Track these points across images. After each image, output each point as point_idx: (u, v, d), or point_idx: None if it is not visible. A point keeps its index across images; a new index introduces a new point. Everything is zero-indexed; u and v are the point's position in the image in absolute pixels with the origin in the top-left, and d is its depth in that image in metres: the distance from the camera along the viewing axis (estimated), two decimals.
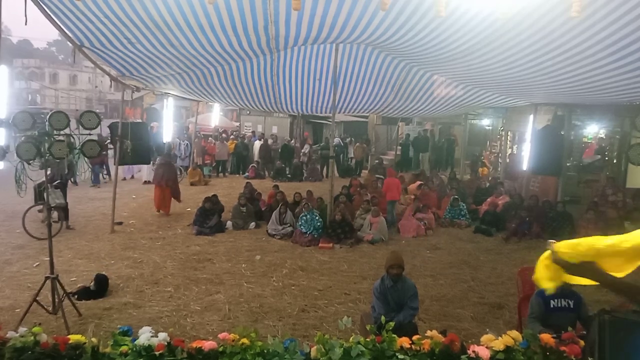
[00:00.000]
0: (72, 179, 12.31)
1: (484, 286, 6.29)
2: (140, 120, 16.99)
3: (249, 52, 7.55)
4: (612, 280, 1.51)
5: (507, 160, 15.12)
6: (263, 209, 10.04)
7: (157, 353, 3.04)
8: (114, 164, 9.48)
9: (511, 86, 7.45)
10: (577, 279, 1.65)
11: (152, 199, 11.62)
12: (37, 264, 6.58)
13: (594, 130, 12.55)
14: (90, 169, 13.09)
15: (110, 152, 12.38)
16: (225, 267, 6.78)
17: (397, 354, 3.06)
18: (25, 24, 4.30)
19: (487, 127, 19.07)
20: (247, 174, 15.83)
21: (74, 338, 3.20)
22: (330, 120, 9.93)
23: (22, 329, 3.26)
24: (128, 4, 4.91)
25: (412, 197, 10.44)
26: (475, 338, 4.19)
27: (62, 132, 4.63)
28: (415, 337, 3.24)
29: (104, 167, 14.37)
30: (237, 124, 24.86)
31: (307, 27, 6.03)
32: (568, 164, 10.74)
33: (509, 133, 15.39)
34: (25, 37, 68.67)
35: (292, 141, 19.26)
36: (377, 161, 16.30)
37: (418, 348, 3.13)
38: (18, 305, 5.13)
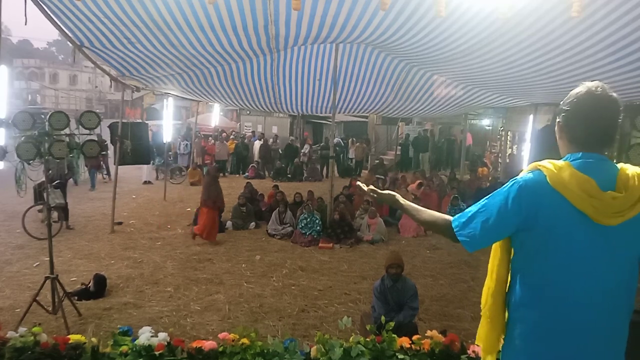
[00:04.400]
0: (73, 178, 12.31)
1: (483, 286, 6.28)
2: (140, 120, 17.01)
3: (249, 52, 7.54)
4: (402, 205, 2.00)
5: (507, 160, 15.13)
6: (263, 209, 10.05)
7: (157, 353, 3.04)
8: (114, 164, 9.47)
9: (511, 86, 7.45)
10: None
11: (152, 200, 11.64)
12: (37, 264, 6.58)
13: None
14: (86, 171, 13.06)
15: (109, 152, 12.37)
16: (225, 267, 6.78)
17: (397, 354, 3.07)
18: (25, 24, 4.29)
19: (487, 127, 19.11)
20: (247, 174, 15.84)
21: (74, 338, 3.21)
22: (330, 120, 9.93)
23: (22, 329, 3.27)
24: (128, 4, 4.90)
25: (412, 197, 10.46)
26: (475, 338, 4.19)
27: (64, 132, 4.63)
28: (415, 337, 3.24)
29: (104, 167, 14.40)
30: (237, 124, 24.86)
31: (307, 27, 6.02)
32: None
33: (509, 133, 15.40)
34: (25, 37, 68.93)
35: (294, 140, 19.29)
36: (377, 161, 16.31)
37: (418, 348, 3.14)
38: (18, 305, 5.13)
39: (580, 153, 1.61)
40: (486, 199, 1.69)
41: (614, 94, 1.61)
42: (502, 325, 1.78)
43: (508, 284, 1.76)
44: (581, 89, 1.63)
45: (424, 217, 1.88)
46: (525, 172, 1.67)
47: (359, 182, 2.28)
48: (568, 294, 1.56)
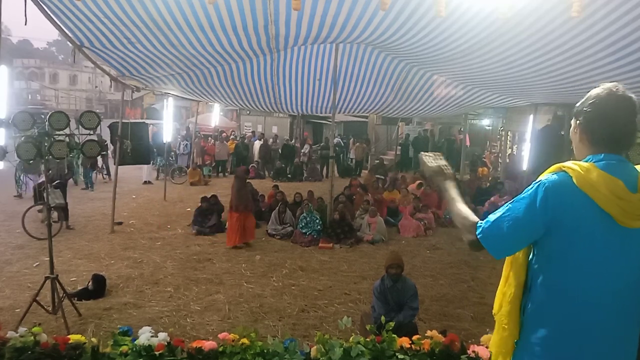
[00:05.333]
0: (73, 178, 12.30)
1: (484, 286, 6.28)
2: (140, 120, 17.03)
3: (249, 52, 7.54)
4: (445, 186, 2.02)
5: (507, 160, 15.13)
6: (263, 209, 10.05)
7: (157, 353, 3.05)
8: (114, 164, 9.47)
9: (511, 86, 7.45)
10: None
11: (152, 200, 11.63)
12: (37, 264, 6.58)
13: None
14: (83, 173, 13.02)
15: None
16: (225, 267, 6.78)
17: (397, 354, 3.07)
18: (25, 24, 4.29)
19: (487, 127, 19.11)
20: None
21: (74, 338, 3.21)
22: (330, 120, 9.93)
23: (22, 329, 3.27)
24: (128, 4, 4.90)
25: (412, 196, 10.46)
26: (475, 338, 4.19)
27: (64, 132, 4.63)
28: (415, 337, 3.25)
29: (104, 167, 14.41)
30: (237, 124, 24.86)
31: (307, 27, 6.03)
32: None
33: (509, 133, 15.40)
34: (25, 37, 68.94)
35: (293, 141, 19.28)
36: (377, 161, 16.32)
37: (418, 348, 3.14)
38: (18, 305, 5.12)
39: (602, 154, 1.59)
40: (508, 204, 1.64)
41: (633, 95, 1.58)
42: (518, 331, 1.73)
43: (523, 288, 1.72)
44: (600, 90, 1.60)
45: (455, 210, 1.83)
46: (548, 173, 1.63)
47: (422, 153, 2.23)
48: (578, 294, 1.56)
